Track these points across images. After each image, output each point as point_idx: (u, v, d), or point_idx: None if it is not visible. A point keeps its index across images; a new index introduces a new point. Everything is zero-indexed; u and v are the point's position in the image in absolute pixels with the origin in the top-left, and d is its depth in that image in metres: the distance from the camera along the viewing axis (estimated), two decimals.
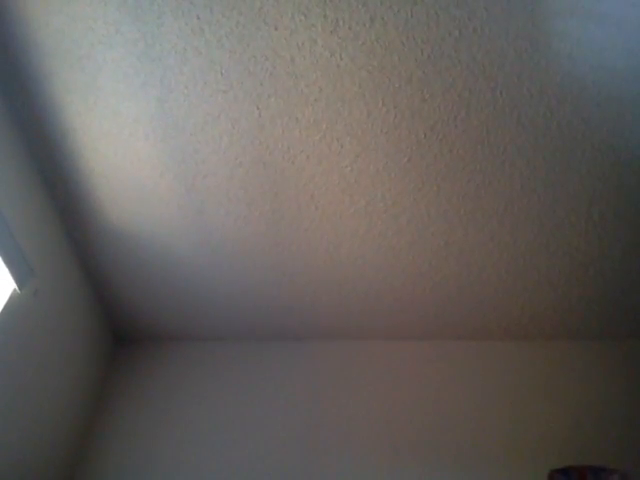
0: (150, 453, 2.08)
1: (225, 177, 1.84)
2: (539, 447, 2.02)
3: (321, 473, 2.00)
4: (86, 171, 1.85)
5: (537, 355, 2.28)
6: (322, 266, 2.09)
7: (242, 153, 1.78)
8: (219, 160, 1.80)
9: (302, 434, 2.10)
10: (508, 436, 2.05)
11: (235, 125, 1.72)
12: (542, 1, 1.48)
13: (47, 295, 1.91)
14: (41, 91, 1.67)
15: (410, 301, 2.21)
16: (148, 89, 1.65)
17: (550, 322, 2.27)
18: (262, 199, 1.90)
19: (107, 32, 1.55)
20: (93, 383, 2.22)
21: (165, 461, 2.05)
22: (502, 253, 2.02)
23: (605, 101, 1.64)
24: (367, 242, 2.01)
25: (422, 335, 2.33)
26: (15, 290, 1.74)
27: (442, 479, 1.96)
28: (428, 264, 2.07)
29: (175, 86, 1.64)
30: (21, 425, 1.80)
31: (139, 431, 2.14)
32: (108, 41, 1.57)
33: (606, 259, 2.03)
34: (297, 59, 1.59)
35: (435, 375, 2.24)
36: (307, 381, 2.25)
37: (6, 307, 1.71)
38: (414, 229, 1.96)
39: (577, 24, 1.51)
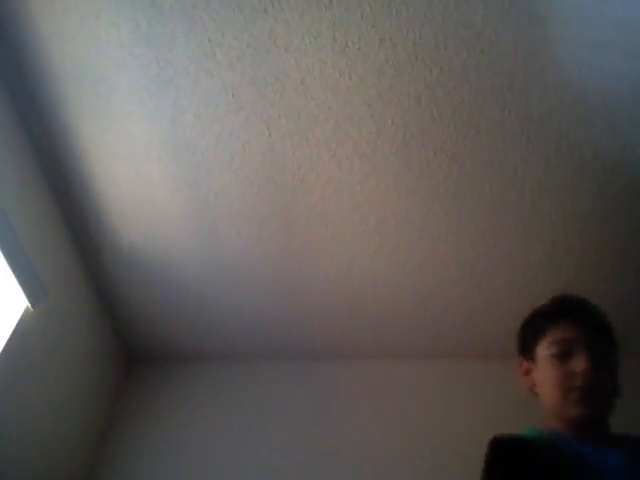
0: (161, 474, 2.07)
1: (236, 197, 1.86)
2: None
3: None
4: (99, 193, 1.87)
5: None
6: (332, 285, 2.09)
7: (253, 173, 1.80)
8: (230, 180, 1.82)
9: (316, 454, 2.08)
10: None
11: (246, 145, 1.74)
12: (551, 24, 1.49)
13: (60, 314, 1.92)
14: (55, 114, 1.70)
15: (421, 320, 2.19)
16: (161, 111, 1.68)
17: None
18: (273, 218, 1.91)
19: (120, 55, 1.58)
20: (105, 403, 2.22)
21: None
22: (514, 272, 2.01)
23: (616, 121, 1.64)
24: (377, 261, 2.01)
25: (434, 354, 2.31)
26: (28, 308, 1.76)
27: None
28: (439, 283, 2.06)
29: (187, 108, 1.67)
30: (32, 444, 1.80)
31: (150, 451, 2.13)
32: (121, 64, 1.59)
33: (619, 277, 2.01)
34: (307, 80, 1.61)
35: (447, 395, 2.21)
36: (321, 400, 2.23)
37: (19, 325, 1.72)
38: (424, 248, 1.96)
39: (587, 48, 1.52)
